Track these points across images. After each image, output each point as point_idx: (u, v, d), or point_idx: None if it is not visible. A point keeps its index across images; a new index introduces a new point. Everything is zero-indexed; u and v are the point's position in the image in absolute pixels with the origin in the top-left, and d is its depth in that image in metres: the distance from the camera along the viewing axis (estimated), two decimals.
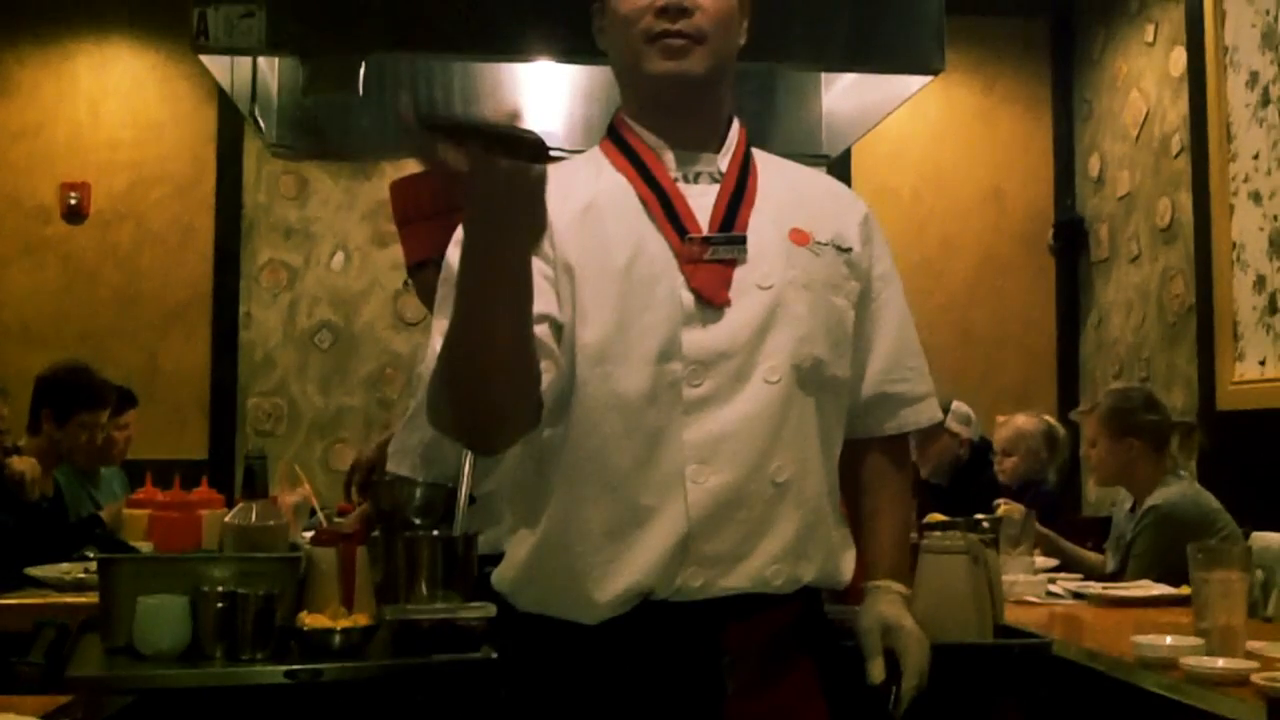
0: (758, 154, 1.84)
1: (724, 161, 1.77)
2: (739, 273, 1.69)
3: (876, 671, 1.77)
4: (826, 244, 1.77)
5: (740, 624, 1.67)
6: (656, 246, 1.69)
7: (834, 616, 1.99)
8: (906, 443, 1.96)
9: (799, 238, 1.75)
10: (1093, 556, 3.99)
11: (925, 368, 1.92)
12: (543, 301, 1.61)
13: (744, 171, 1.78)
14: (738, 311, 1.67)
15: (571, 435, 1.66)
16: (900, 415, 1.89)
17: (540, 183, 1.35)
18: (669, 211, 1.70)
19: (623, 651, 1.66)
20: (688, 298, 1.66)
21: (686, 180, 1.75)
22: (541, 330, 1.61)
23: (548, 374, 1.61)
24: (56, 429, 4.15)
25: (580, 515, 1.65)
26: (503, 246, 1.41)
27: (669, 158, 1.76)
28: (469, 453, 2.30)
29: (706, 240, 1.68)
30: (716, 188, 1.75)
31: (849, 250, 1.80)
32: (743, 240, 1.70)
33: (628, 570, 1.63)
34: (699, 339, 1.65)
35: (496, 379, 1.52)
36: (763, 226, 1.73)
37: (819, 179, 1.92)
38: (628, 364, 1.64)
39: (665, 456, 1.63)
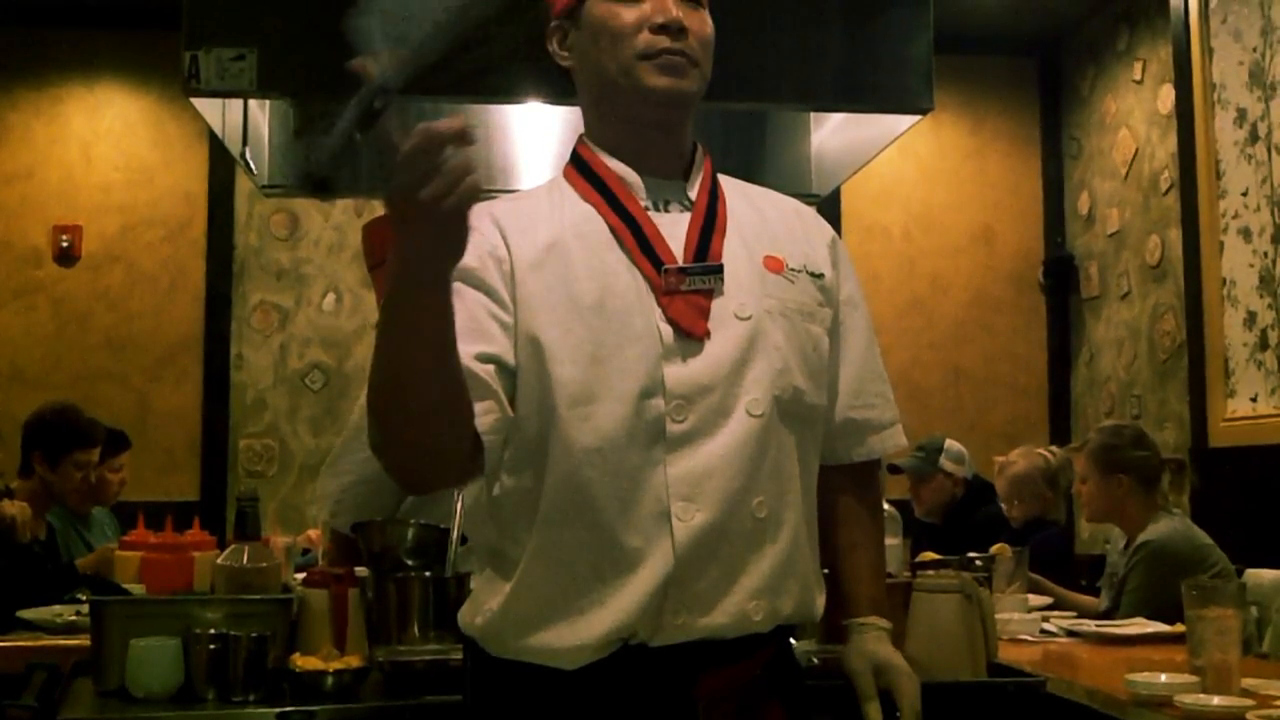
0: (722, 179, 1.82)
1: (693, 189, 1.75)
2: (716, 303, 1.66)
3: (875, 714, 1.74)
4: (799, 270, 1.75)
5: (714, 669, 1.64)
6: (630, 279, 1.65)
7: (821, 657, 1.99)
8: (876, 469, 1.94)
9: (773, 265, 1.73)
10: (1085, 599, 3.98)
11: (890, 394, 1.89)
12: (491, 343, 1.59)
13: (713, 198, 1.75)
14: (717, 343, 1.64)
15: (550, 480, 1.61)
16: (868, 442, 1.86)
17: (462, 210, 1.33)
18: (642, 242, 1.67)
19: (598, 697, 1.62)
20: (666, 331, 1.63)
21: (657, 208, 1.72)
22: (486, 371, 1.58)
23: (490, 415, 1.56)
24: (49, 471, 4.16)
25: (562, 560, 1.61)
26: (425, 275, 1.40)
27: (639, 185, 1.73)
28: (461, 493, 2.30)
29: (683, 271, 1.65)
30: (688, 216, 1.72)
31: (820, 276, 1.78)
32: (720, 269, 1.67)
33: (612, 613, 1.59)
34: (681, 373, 1.62)
35: (415, 414, 1.49)
36: (736, 255, 1.71)
37: (783, 203, 1.87)
38: (608, 403, 1.61)
39: (649, 495, 1.60)
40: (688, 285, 1.65)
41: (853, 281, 1.85)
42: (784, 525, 1.67)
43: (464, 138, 1.33)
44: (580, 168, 1.77)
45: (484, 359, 1.58)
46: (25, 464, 4.17)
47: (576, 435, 1.60)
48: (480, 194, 1.34)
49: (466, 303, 1.59)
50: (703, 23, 1.73)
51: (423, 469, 1.60)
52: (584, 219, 1.70)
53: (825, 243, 1.82)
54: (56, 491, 4.20)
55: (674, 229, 1.70)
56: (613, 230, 1.68)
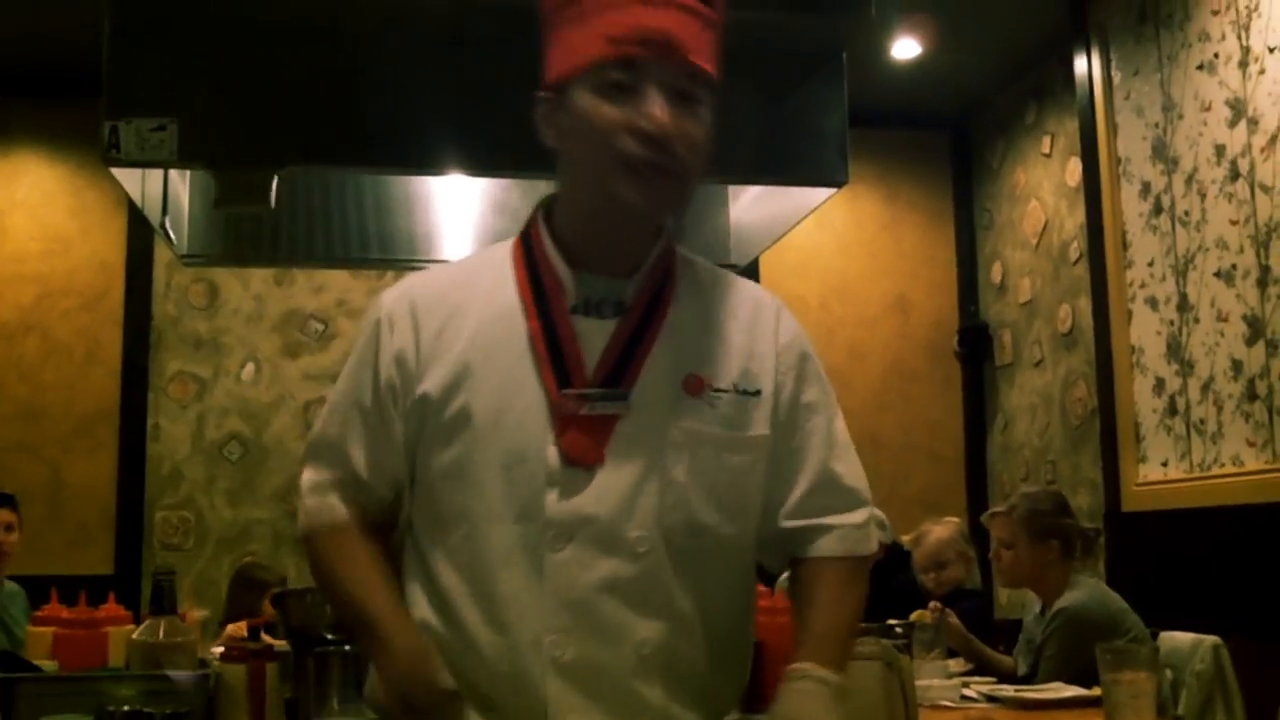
0: (682, 268, 1.71)
1: (633, 289, 1.64)
2: (620, 426, 1.57)
3: None
4: (727, 390, 1.63)
5: None
6: (531, 395, 1.58)
7: None
8: (842, 564, 1.71)
9: (694, 386, 1.62)
10: (1007, 660, 4.02)
11: (859, 504, 1.73)
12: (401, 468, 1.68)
13: (652, 304, 1.65)
14: (610, 473, 1.56)
15: (433, 591, 1.62)
16: (820, 541, 1.69)
17: None
18: (555, 355, 1.59)
19: None
20: (554, 456, 1.56)
21: (587, 311, 1.62)
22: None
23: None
24: None
25: (456, 672, 1.58)
26: None
27: (570, 285, 1.63)
28: None
29: (585, 395, 1.57)
30: (615, 324, 1.62)
31: (756, 393, 1.66)
32: (626, 396, 1.58)
33: None
34: (565, 502, 1.55)
35: None
36: (655, 375, 1.60)
37: (744, 303, 1.74)
38: (486, 523, 1.57)
39: (523, 624, 1.55)
40: (588, 410, 1.57)
41: (817, 387, 1.74)
42: (675, 660, 1.59)
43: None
44: (525, 248, 1.68)
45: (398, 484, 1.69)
46: None
47: (455, 554, 1.60)
48: None
49: (370, 428, 1.67)
50: (695, 125, 1.60)
51: None
52: (506, 317, 1.63)
53: (777, 349, 1.70)
54: None
55: (595, 340, 1.61)
56: (529, 335, 1.61)
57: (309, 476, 1.71)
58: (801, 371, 1.73)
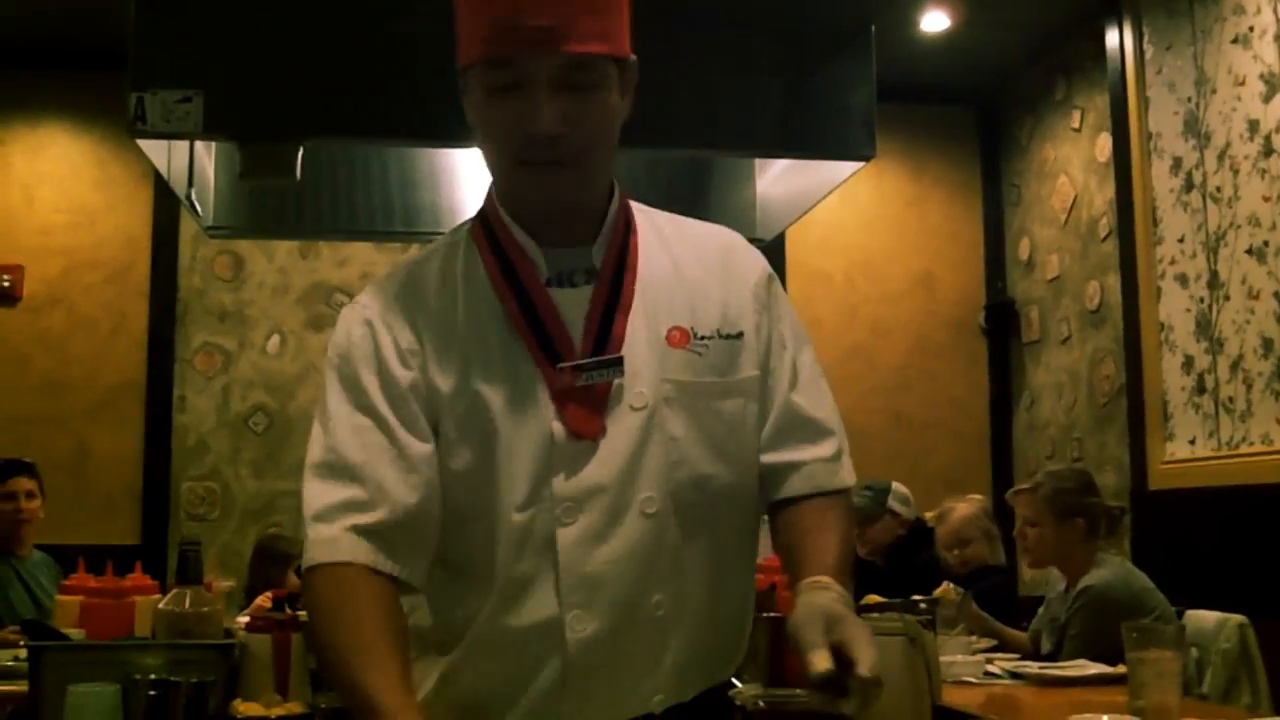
0: (640, 220, 1.69)
1: (599, 254, 1.62)
2: (614, 391, 1.56)
3: (820, 661, 1.36)
4: (709, 337, 1.62)
5: None
6: (522, 374, 1.56)
7: (768, 701, 1.95)
8: (827, 500, 1.67)
9: (678, 339, 1.61)
10: (1022, 636, 4.02)
11: (825, 435, 1.68)
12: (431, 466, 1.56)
13: (620, 264, 1.63)
14: (611, 440, 1.55)
15: (449, 586, 1.59)
16: (790, 480, 1.66)
17: None
18: (539, 331, 1.57)
19: None
20: (559, 431, 1.54)
21: (560, 283, 1.61)
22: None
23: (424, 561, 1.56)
24: None
25: (475, 656, 1.58)
26: None
27: (540, 260, 1.61)
28: None
29: (579, 368, 1.55)
30: (590, 290, 1.60)
31: (739, 335, 1.64)
32: (620, 362, 1.56)
33: (507, 710, 1.56)
34: (571, 476, 1.53)
35: None
36: (638, 334, 1.59)
37: (707, 244, 1.72)
38: (498, 513, 1.54)
39: (539, 604, 1.53)
40: (584, 381, 1.55)
41: (785, 321, 1.71)
42: (687, 619, 1.59)
43: None
44: (486, 230, 1.65)
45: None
46: None
47: (466, 546, 1.57)
48: None
49: (390, 433, 1.56)
50: (590, 110, 1.55)
51: None
52: (485, 306, 1.60)
53: (749, 288, 1.68)
54: None
55: (574, 309, 1.59)
56: (508, 315, 1.58)
57: (316, 500, 1.55)
58: (773, 308, 1.70)
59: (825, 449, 1.68)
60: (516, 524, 1.54)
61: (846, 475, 1.69)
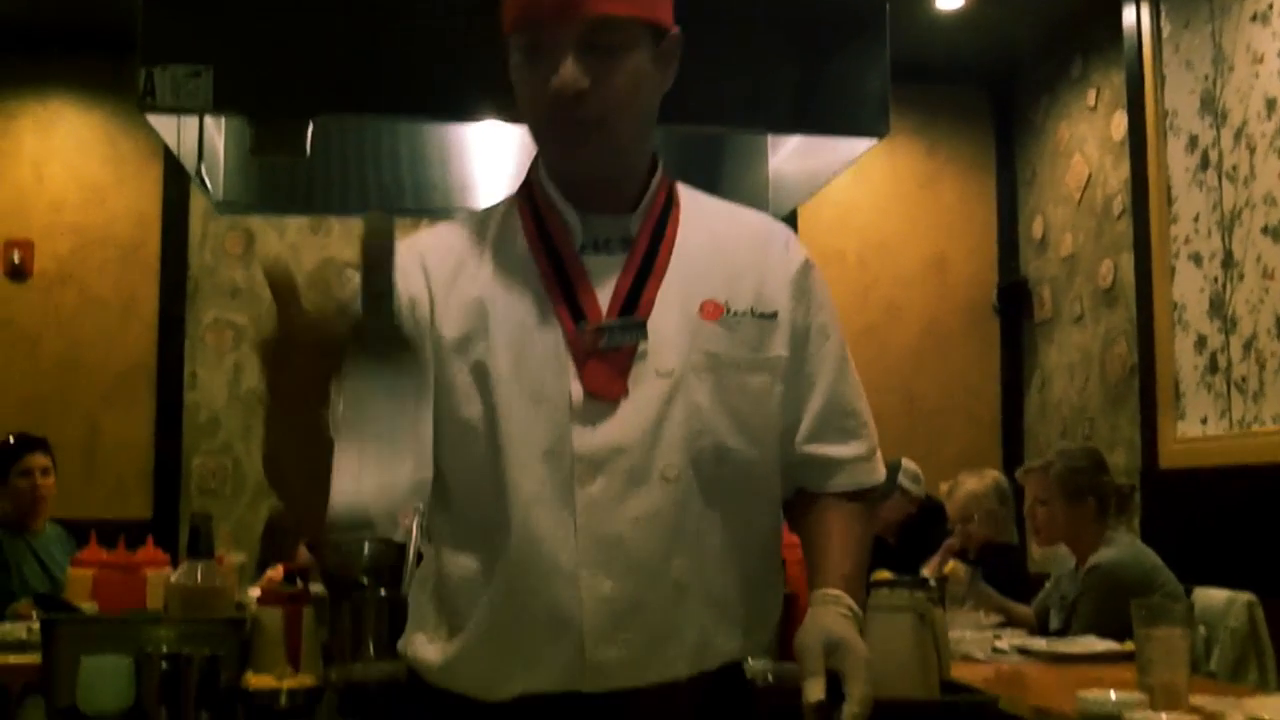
0: (685, 200, 1.72)
1: (637, 223, 1.65)
2: (639, 356, 1.57)
3: (814, 690, 1.49)
4: (743, 313, 1.64)
5: (648, 703, 1.59)
6: (549, 337, 1.58)
7: (776, 675, 1.96)
8: (857, 500, 1.76)
9: (711, 311, 1.63)
10: (1026, 612, 4.04)
11: (865, 427, 1.76)
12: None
13: (657, 235, 1.65)
14: (633, 403, 1.56)
15: (467, 539, 1.60)
16: (833, 477, 1.72)
17: (335, 359, 1.31)
18: (567, 293, 1.60)
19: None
20: (578, 391, 1.55)
21: (596, 249, 1.63)
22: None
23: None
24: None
25: (491, 615, 1.57)
26: (300, 405, 1.42)
27: (576, 228, 1.64)
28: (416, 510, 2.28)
29: (601, 329, 1.57)
30: (624, 258, 1.63)
31: (772, 315, 1.66)
32: (643, 325, 1.58)
33: (524, 676, 1.56)
34: (590, 436, 1.54)
35: (311, 493, 1.44)
36: (669, 303, 1.61)
37: (749, 227, 1.75)
38: (516, 462, 1.55)
39: (556, 561, 1.54)
40: (606, 342, 1.57)
41: (826, 310, 1.73)
42: (712, 587, 1.60)
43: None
44: (528, 199, 1.69)
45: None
46: None
47: (483, 496, 1.57)
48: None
49: None
50: (615, 72, 1.57)
51: (305, 526, 1.59)
52: (518, 265, 1.64)
53: (789, 273, 1.70)
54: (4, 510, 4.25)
55: (606, 275, 1.62)
56: (542, 276, 1.62)
57: None
58: (814, 294, 1.73)
59: (864, 445, 1.75)
60: (532, 480, 1.55)
61: (879, 472, 1.77)
